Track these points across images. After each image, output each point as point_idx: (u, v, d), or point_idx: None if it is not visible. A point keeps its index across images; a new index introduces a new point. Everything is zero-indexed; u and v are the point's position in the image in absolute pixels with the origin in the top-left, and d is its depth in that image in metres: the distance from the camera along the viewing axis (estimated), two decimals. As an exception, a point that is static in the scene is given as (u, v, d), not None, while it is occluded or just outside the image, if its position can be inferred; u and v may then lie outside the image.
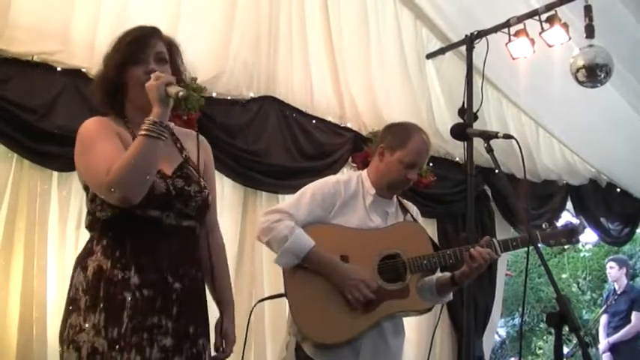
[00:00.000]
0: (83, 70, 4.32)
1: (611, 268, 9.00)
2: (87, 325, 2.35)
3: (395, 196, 3.64)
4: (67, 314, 2.44)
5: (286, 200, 3.52)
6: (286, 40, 5.42)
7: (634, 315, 8.47)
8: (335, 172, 5.50)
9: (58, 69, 4.25)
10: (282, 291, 3.36)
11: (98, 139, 2.47)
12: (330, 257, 3.29)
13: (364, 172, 3.62)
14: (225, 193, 4.92)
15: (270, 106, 5.25)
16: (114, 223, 2.46)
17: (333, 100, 5.70)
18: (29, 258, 4.01)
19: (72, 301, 2.44)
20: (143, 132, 2.35)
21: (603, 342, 8.83)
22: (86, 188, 2.58)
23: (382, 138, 3.64)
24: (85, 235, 3.85)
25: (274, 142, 5.22)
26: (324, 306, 3.27)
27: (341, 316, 3.27)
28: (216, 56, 4.93)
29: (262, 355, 4.94)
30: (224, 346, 2.75)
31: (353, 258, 3.35)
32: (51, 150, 4.11)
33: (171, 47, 2.70)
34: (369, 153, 5.61)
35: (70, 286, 2.49)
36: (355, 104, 5.76)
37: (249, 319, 3.56)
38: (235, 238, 4.91)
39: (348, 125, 5.75)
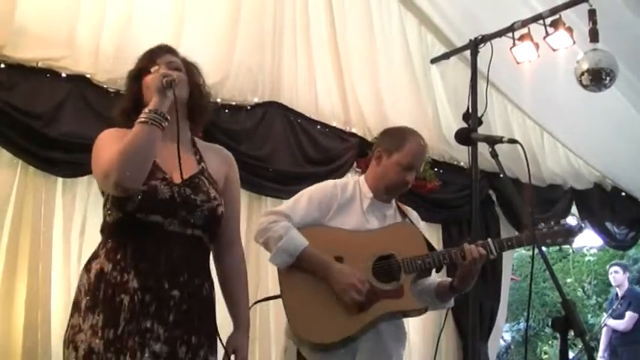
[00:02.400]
0: (88, 76, 4.33)
1: (616, 272, 9.05)
2: (85, 326, 2.38)
3: (393, 200, 3.67)
4: (71, 315, 2.48)
5: (284, 203, 3.53)
6: (291, 46, 5.42)
7: (627, 314, 8.56)
8: (340, 177, 5.47)
9: (63, 75, 4.26)
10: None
11: (107, 145, 2.50)
12: (324, 257, 3.31)
13: (361, 178, 3.66)
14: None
15: (275, 111, 5.25)
16: (118, 227, 2.49)
17: (338, 105, 5.70)
18: (34, 263, 4.01)
19: (74, 303, 2.49)
20: (140, 119, 2.41)
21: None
22: (103, 194, 2.62)
23: (379, 142, 3.69)
24: (89, 242, 3.89)
25: (279, 147, 5.23)
26: (318, 306, 3.29)
27: (336, 315, 3.28)
28: (221, 62, 4.94)
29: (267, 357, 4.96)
30: None
31: (347, 259, 3.36)
32: (56, 156, 4.12)
33: (188, 65, 2.76)
34: (374, 158, 5.63)
35: (77, 289, 2.53)
36: (360, 109, 5.76)
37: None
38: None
39: (353, 130, 5.75)
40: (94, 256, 2.53)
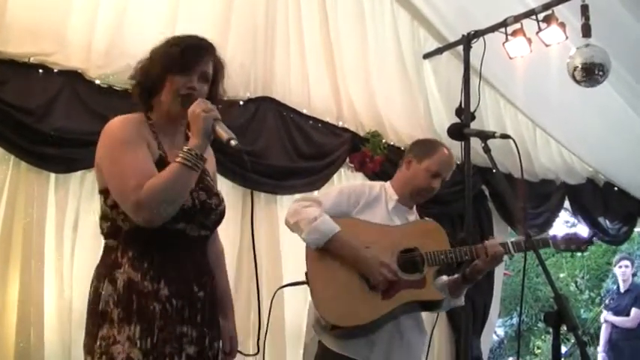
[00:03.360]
0: (80, 71, 4.31)
1: (626, 267, 8.97)
2: (121, 337, 2.37)
3: (415, 207, 3.86)
4: (96, 326, 2.44)
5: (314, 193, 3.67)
6: (283, 41, 5.41)
7: (633, 311, 8.52)
8: (332, 172, 5.52)
9: (55, 70, 4.23)
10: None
11: (129, 145, 2.46)
12: (355, 242, 3.44)
13: (387, 183, 3.85)
14: (224, 193, 4.90)
15: (267, 106, 5.24)
16: (139, 235, 2.46)
17: (331, 101, 5.69)
18: (26, 260, 3.99)
19: (101, 313, 2.43)
20: (181, 160, 2.37)
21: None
22: (104, 192, 2.55)
23: (410, 149, 3.89)
24: (82, 238, 3.87)
25: (272, 142, 5.22)
26: (344, 291, 3.41)
27: (361, 300, 3.41)
28: (213, 56, 4.92)
29: (281, 347, 4.99)
30: (231, 348, 2.83)
31: (374, 249, 3.47)
32: (48, 152, 4.10)
33: (218, 68, 2.71)
34: (367, 153, 5.63)
35: (96, 298, 2.47)
36: (352, 104, 5.75)
37: (270, 307, 3.72)
38: (235, 239, 4.91)
39: (346, 125, 5.74)
40: (115, 265, 2.47)
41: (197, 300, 2.52)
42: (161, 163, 2.47)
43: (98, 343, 2.41)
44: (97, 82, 4.38)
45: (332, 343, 3.41)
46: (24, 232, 4.02)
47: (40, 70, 4.18)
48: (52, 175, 4.21)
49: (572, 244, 3.64)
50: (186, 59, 2.55)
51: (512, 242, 3.59)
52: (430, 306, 3.67)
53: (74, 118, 4.18)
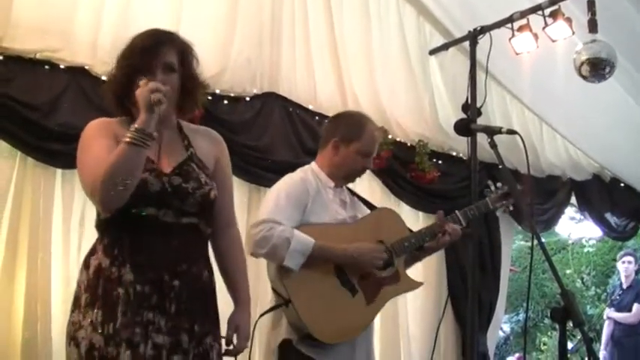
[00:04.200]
0: (86, 67, 4.32)
1: (629, 263, 8.94)
2: (85, 322, 2.39)
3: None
4: (71, 312, 2.48)
5: (262, 209, 3.43)
6: (289, 37, 5.42)
7: (635, 307, 8.51)
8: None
9: (62, 66, 4.25)
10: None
11: (92, 141, 2.50)
12: (333, 245, 3.33)
13: (315, 166, 3.66)
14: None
15: (273, 102, 5.25)
16: (114, 223, 2.48)
17: (336, 96, 5.69)
18: (33, 255, 4.02)
19: (74, 299, 2.49)
20: (126, 139, 2.35)
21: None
22: None
23: (333, 131, 3.66)
24: (89, 233, 3.89)
25: (278, 138, 5.23)
26: (331, 305, 3.32)
27: (350, 311, 3.35)
28: (219, 53, 4.93)
29: None
30: (236, 340, 2.74)
31: None
32: (55, 147, 4.12)
33: (185, 52, 2.68)
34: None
35: (76, 284, 2.53)
36: (358, 100, 5.75)
37: (253, 331, 3.53)
38: (242, 235, 4.91)
39: (352, 122, 5.74)
40: (92, 252, 2.53)
41: (169, 289, 2.46)
42: None
43: (68, 328, 2.45)
44: (103, 78, 4.36)
45: (313, 351, 3.28)
46: (31, 227, 4.05)
47: (47, 67, 4.20)
48: (59, 171, 4.24)
49: (503, 199, 3.84)
50: (144, 61, 2.55)
51: (459, 212, 3.69)
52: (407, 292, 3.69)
53: (80, 114, 4.18)
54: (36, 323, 3.97)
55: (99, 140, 2.48)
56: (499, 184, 4.00)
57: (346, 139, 3.55)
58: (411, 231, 3.62)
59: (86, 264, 2.51)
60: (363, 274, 3.40)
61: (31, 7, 4.12)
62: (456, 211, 3.65)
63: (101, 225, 2.55)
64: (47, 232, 4.11)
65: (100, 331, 2.36)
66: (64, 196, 4.25)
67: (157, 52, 2.58)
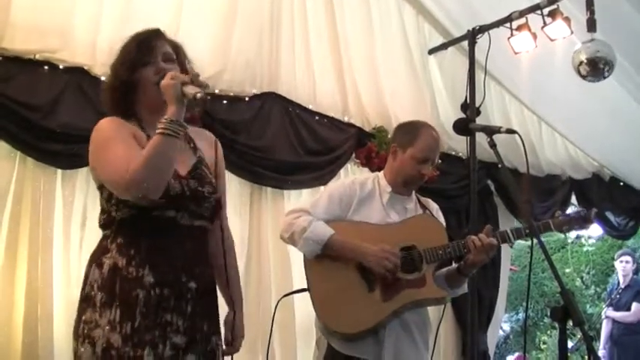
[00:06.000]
0: (85, 67, 4.32)
1: (627, 262, 8.94)
2: (102, 321, 2.40)
3: (413, 193, 3.76)
4: (82, 311, 2.48)
5: (305, 202, 3.61)
6: (288, 36, 5.42)
7: (634, 305, 8.51)
8: (339, 167, 5.54)
9: (61, 67, 4.25)
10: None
11: (114, 139, 2.49)
12: (352, 240, 3.40)
13: (380, 173, 3.75)
14: (232, 189, 4.92)
15: (273, 102, 5.26)
16: (129, 223, 2.50)
17: (336, 96, 5.70)
18: (34, 256, 4.02)
19: (86, 298, 2.48)
20: (160, 130, 2.37)
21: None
22: (100, 188, 2.60)
23: (393, 138, 3.78)
24: (90, 233, 3.89)
25: (278, 138, 5.23)
26: (345, 297, 3.39)
27: (363, 305, 3.39)
28: (219, 52, 4.93)
29: (292, 352, 5.02)
30: (233, 340, 2.80)
31: None
32: (54, 148, 4.12)
33: (176, 48, 2.73)
34: (373, 148, 5.63)
35: (85, 283, 2.52)
36: (358, 100, 5.76)
37: (274, 314, 3.71)
38: (244, 235, 4.94)
39: (351, 121, 5.75)
40: (104, 251, 2.52)
41: (186, 290, 2.50)
42: None
43: (81, 326, 2.45)
44: (103, 78, 4.37)
45: (340, 345, 3.38)
46: (31, 228, 4.05)
47: (46, 67, 4.20)
48: (59, 171, 4.24)
49: (575, 223, 3.55)
50: (143, 50, 2.61)
51: (511, 230, 3.55)
52: (432, 302, 3.62)
53: (80, 114, 4.19)
54: (37, 324, 3.97)
55: (120, 138, 2.49)
56: (579, 210, 3.84)
57: (403, 145, 3.63)
58: (451, 240, 3.58)
59: (98, 263, 2.51)
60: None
61: (29, 7, 4.12)
62: (508, 229, 3.60)
63: (112, 224, 2.55)
64: (48, 232, 4.11)
65: (118, 330, 2.38)
66: (64, 196, 4.25)
67: (153, 43, 2.64)
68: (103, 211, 2.61)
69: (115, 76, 2.65)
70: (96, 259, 2.53)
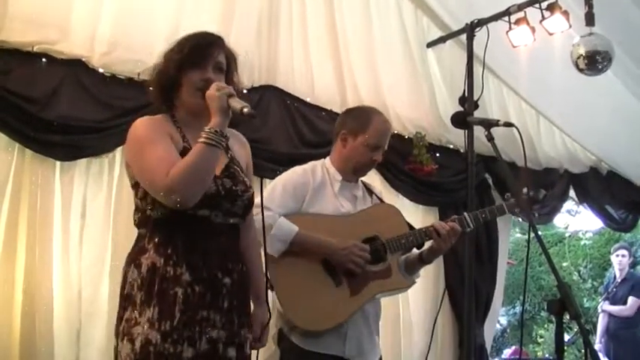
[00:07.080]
0: (84, 59, 4.31)
1: (623, 256, 8.98)
2: (142, 319, 2.46)
3: (359, 179, 3.73)
4: (123, 310, 2.56)
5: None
6: (287, 29, 5.40)
7: (630, 299, 8.53)
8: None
9: (59, 59, 4.24)
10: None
11: (153, 140, 2.55)
12: (318, 236, 3.36)
13: (327, 160, 3.70)
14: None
15: (271, 95, 5.25)
16: (165, 222, 2.56)
17: (335, 89, 5.69)
18: (32, 249, 4.02)
19: (127, 297, 2.55)
20: (203, 139, 2.44)
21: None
22: (135, 186, 2.65)
23: (342, 124, 3.70)
24: (89, 224, 3.90)
25: (276, 130, 5.23)
26: (312, 293, 3.35)
27: (331, 300, 3.35)
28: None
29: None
30: (261, 334, 2.90)
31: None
32: (53, 139, 4.12)
33: (230, 58, 2.81)
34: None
35: (124, 283, 2.59)
36: (357, 93, 5.74)
37: None
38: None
39: (350, 114, 5.74)
40: (141, 251, 2.58)
41: (222, 286, 2.58)
42: (185, 154, 2.53)
43: (122, 325, 2.52)
44: (101, 70, 4.38)
45: (302, 341, 3.33)
46: (29, 220, 4.04)
47: (44, 59, 4.18)
48: (58, 163, 4.23)
49: (524, 204, 3.60)
50: (197, 54, 2.66)
51: (469, 215, 3.61)
52: (399, 291, 3.68)
53: (78, 106, 4.19)
54: (35, 318, 3.97)
55: (158, 140, 2.55)
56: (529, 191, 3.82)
57: (353, 132, 3.59)
58: (411, 229, 3.60)
59: (136, 263, 2.56)
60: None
61: (27, -1, 4.12)
62: (465, 214, 3.62)
63: (148, 223, 2.61)
64: (46, 224, 4.11)
65: (157, 327, 2.44)
66: (63, 188, 4.24)
67: (209, 51, 2.70)
68: (137, 210, 2.67)
69: (164, 68, 2.70)
70: (134, 259, 2.59)
